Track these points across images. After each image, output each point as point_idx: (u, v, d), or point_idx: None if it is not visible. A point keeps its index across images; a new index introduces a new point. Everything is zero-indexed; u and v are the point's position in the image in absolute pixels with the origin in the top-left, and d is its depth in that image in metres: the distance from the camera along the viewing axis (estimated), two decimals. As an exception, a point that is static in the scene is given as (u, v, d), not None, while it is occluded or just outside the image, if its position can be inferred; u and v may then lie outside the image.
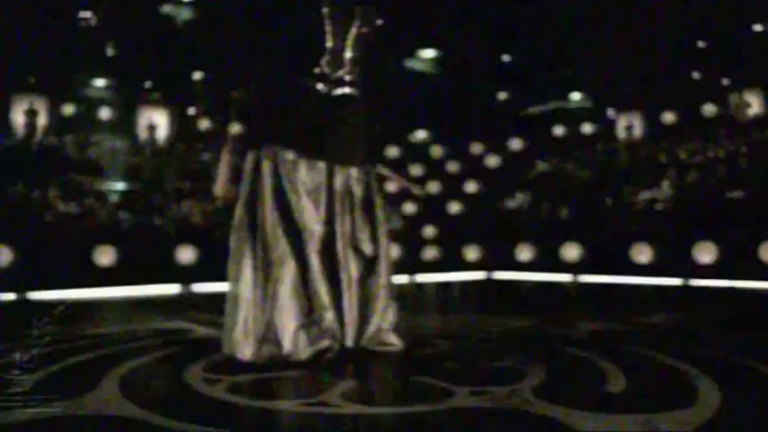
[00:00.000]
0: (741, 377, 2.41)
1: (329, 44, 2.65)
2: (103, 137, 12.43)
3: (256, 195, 2.65)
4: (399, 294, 2.95)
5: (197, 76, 14.06)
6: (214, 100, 14.19)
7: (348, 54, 2.69)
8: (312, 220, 2.64)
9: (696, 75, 13.26)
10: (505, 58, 14.40)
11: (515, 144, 14.63)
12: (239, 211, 2.70)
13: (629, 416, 1.82)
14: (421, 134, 15.34)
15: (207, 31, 12.44)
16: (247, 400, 2.07)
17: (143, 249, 8.40)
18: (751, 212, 8.19)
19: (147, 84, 14.04)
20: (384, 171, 3.02)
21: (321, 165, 2.68)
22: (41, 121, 12.56)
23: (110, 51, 12.36)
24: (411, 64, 14.81)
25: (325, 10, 2.63)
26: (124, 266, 8.09)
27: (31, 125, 12.27)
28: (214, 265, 8.85)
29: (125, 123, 13.52)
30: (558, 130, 14.78)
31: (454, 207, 12.07)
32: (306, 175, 2.65)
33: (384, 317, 2.80)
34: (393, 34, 12.97)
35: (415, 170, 13.79)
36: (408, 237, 9.96)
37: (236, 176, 2.74)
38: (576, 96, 15.17)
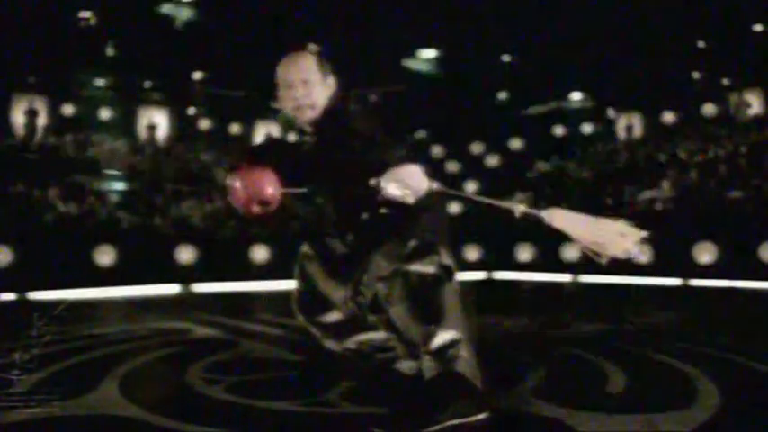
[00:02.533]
0: (741, 377, 2.41)
1: None
2: (103, 137, 12.44)
3: None
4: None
5: (197, 76, 14.07)
6: (214, 100, 14.22)
7: None
8: None
9: (696, 75, 13.27)
10: (505, 58, 14.41)
11: (515, 144, 14.64)
12: None
13: (629, 416, 1.82)
14: (421, 134, 15.35)
15: (207, 31, 12.44)
16: (247, 400, 2.07)
17: (143, 249, 8.40)
18: (751, 212, 8.20)
19: (147, 84, 14.05)
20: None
21: None
22: (41, 121, 12.58)
23: (110, 51, 12.35)
24: (411, 64, 14.82)
25: None
26: (124, 266, 8.09)
27: (31, 125, 12.29)
28: (214, 265, 8.92)
29: (125, 123, 13.54)
30: (558, 130, 14.79)
31: (454, 207, 12.07)
32: None
33: None
34: (393, 34, 13.00)
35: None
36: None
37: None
38: (576, 96, 15.17)
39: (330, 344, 2.30)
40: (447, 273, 1.94)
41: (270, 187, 1.91)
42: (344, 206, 2.17)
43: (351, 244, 2.16)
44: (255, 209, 1.93)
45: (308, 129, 2.10)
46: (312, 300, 2.27)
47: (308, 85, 2.03)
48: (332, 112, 2.06)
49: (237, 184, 1.91)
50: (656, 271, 8.55)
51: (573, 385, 2.31)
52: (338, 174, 2.00)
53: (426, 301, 1.86)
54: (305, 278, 2.28)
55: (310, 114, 2.06)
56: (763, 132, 10.62)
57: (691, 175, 9.97)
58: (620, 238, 1.90)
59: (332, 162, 1.98)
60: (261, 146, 2.42)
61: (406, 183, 1.73)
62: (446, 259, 1.96)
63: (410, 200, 1.76)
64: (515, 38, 13.17)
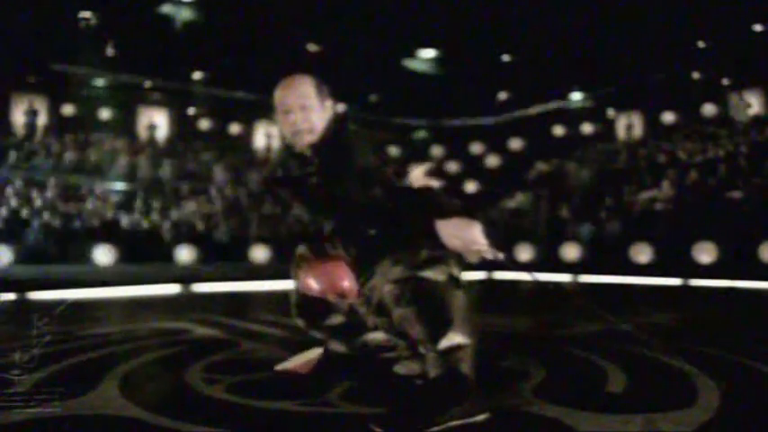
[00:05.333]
0: (741, 377, 2.41)
1: None
2: (103, 137, 12.45)
3: None
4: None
5: (197, 76, 14.07)
6: (214, 100, 14.22)
7: None
8: None
9: (696, 75, 13.27)
10: (505, 58, 14.42)
11: (515, 144, 14.65)
12: None
13: (629, 416, 1.82)
14: (421, 134, 15.35)
15: (207, 31, 12.44)
16: (247, 400, 2.07)
17: (143, 249, 8.41)
18: (751, 212, 8.20)
19: (147, 84, 14.06)
20: None
21: None
22: (41, 121, 12.58)
23: (110, 51, 12.36)
24: (411, 64, 14.82)
25: None
26: (124, 266, 8.10)
27: (31, 125, 12.29)
28: (214, 265, 8.92)
29: (125, 123, 13.55)
30: (558, 130, 14.80)
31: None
32: None
33: None
34: (393, 34, 12.99)
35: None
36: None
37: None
38: (576, 96, 15.18)
39: (336, 345, 2.31)
40: (457, 283, 1.97)
41: (345, 280, 1.88)
42: (351, 229, 2.17)
43: (353, 254, 2.16)
44: (331, 298, 1.91)
45: (308, 153, 2.10)
46: (311, 303, 2.26)
47: (306, 110, 2.03)
48: (331, 136, 2.08)
49: (311, 281, 1.87)
50: (656, 271, 8.56)
51: (573, 385, 2.31)
52: (344, 201, 2.03)
53: (437, 305, 1.89)
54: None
55: (309, 138, 2.06)
56: (763, 132, 10.63)
57: (691, 175, 9.97)
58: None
59: (337, 190, 2.00)
60: (276, 178, 2.41)
61: (468, 241, 1.78)
62: (456, 270, 1.99)
63: (474, 259, 1.82)
64: (515, 38, 13.17)
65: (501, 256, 1.87)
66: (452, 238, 1.82)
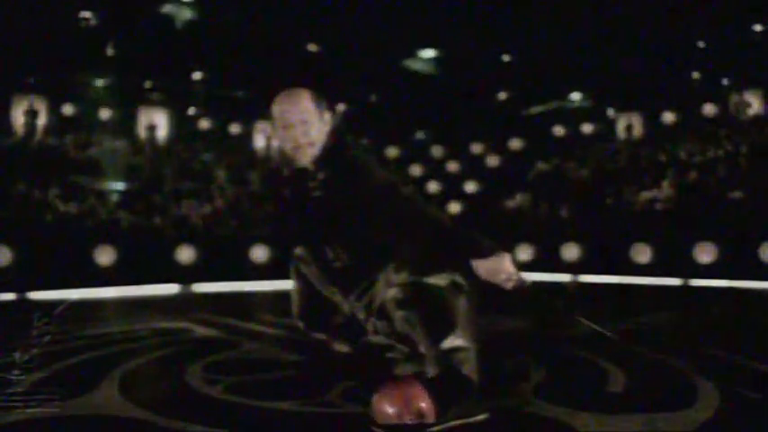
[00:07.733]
0: (741, 377, 2.41)
1: None
2: (103, 137, 12.45)
3: None
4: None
5: (197, 76, 14.07)
6: (214, 100, 14.22)
7: None
8: None
9: (696, 75, 13.27)
10: (505, 58, 14.41)
11: (515, 144, 14.65)
12: None
13: (629, 416, 1.82)
14: (421, 134, 15.34)
15: (207, 31, 12.44)
16: (247, 400, 2.07)
17: (143, 249, 8.40)
18: (751, 212, 8.20)
19: (147, 84, 14.06)
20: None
21: None
22: (41, 121, 12.58)
23: (110, 51, 12.37)
24: (411, 64, 14.83)
25: None
26: (124, 266, 8.08)
27: (31, 125, 12.29)
28: (214, 265, 8.91)
29: (125, 123, 13.55)
30: (558, 130, 14.80)
31: (454, 207, 12.07)
32: None
33: None
34: (393, 34, 12.99)
35: (415, 170, 13.80)
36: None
37: None
38: (575, 96, 15.17)
39: (340, 346, 2.31)
40: (460, 288, 1.99)
41: (422, 402, 1.85)
42: (356, 247, 2.17)
43: (353, 260, 2.16)
44: (407, 420, 1.90)
45: (311, 167, 2.09)
46: (312, 304, 2.26)
47: (306, 125, 2.03)
48: (332, 149, 2.08)
49: (386, 406, 1.85)
50: (656, 271, 8.55)
51: (573, 385, 2.31)
52: (351, 220, 2.04)
53: (440, 309, 1.91)
54: (301, 280, 2.27)
55: (310, 152, 2.06)
56: (763, 132, 10.62)
57: (691, 175, 9.97)
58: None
59: (344, 203, 2.02)
60: (275, 178, 2.44)
61: (498, 270, 1.85)
62: (458, 276, 2.01)
63: (509, 286, 1.90)
64: (515, 38, 13.17)
65: (529, 283, 1.91)
66: (483, 267, 1.88)
